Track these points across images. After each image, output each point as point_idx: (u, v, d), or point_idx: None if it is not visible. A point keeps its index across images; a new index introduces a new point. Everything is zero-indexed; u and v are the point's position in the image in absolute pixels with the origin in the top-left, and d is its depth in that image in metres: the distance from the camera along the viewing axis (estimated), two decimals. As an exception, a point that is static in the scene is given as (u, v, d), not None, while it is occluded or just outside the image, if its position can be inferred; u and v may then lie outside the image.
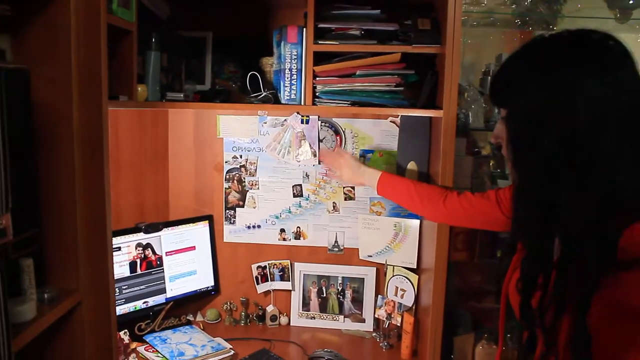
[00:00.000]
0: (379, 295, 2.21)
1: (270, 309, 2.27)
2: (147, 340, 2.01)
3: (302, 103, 1.88)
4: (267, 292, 2.30)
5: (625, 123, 0.93)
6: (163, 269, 2.11)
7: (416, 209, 1.81)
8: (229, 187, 2.27)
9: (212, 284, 2.27)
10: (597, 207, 0.94)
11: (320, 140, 2.19)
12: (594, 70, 0.94)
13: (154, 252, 2.08)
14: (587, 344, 0.96)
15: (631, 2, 2.49)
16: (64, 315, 1.16)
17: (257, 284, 2.28)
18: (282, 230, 2.28)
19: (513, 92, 1.03)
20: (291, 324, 2.29)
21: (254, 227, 2.29)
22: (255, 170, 2.25)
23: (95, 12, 1.17)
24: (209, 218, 2.26)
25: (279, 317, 2.27)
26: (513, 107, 1.05)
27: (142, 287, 2.04)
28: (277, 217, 2.28)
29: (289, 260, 2.28)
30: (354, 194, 2.24)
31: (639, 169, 0.94)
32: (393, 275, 2.15)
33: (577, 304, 0.95)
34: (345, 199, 2.25)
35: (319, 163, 2.20)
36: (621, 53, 0.97)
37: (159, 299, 2.10)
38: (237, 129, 2.23)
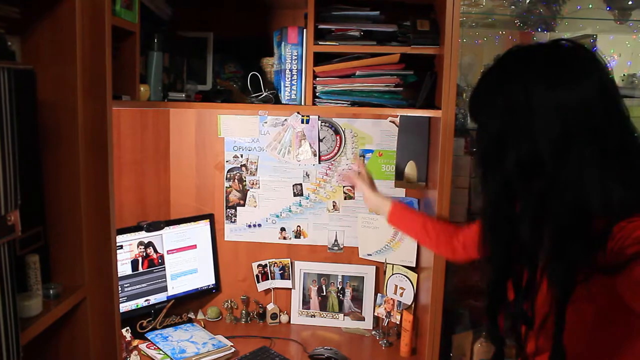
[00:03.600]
0: (379, 294, 2.22)
1: (270, 307, 2.28)
2: (149, 337, 2.02)
3: (303, 103, 1.90)
4: (267, 291, 2.32)
5: (591, 138, 0.90)
6: (164, 267, 2.13)
7: (430, 245, 1.72)
8: (230, 186, 2.29)
9: (213, 282, 2.28)
10: (560, 229, 0.91)
11: (320, 140, 2.21)
12: (556, 84, 0.91)
13: (155, 251, 2.10)
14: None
15: (630, 2, 2.50)
16: (69, 310, 1.18)
17: (258, 282, 2.29)
18: (283, 229, 2.30)
19: (480, 108, 1.02)
20: (291, 322, 2.31)
21: (254, 225, 2.30)
22: (256, 169, 2.27)
23: (100, 14, 1.19)
24: (210, 217, 2.28)
25: (280, 315, 2.29)
26: (479, 124, 1.03)
27: (143, 285, 2.06)
28: (277, 216, 2.30)
29: (289, 259, 2.30)
30: (354, 193, 2.26)
31: (608, 181, 0.90)
32: (392, 274, 2.16)
33: (554, 320, 0.94)
34: (345, 198, 2.27)
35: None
36: (590, 63, 0.93)
37: (161, 297, 2.12)
38: (238, 129, 2.25)
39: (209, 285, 2.27)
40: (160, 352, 1.94)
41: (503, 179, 0.96)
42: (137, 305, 2.04)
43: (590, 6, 2.55)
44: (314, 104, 1.90)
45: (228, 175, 2.28)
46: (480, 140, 1.04)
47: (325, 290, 2.30)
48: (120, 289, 1.96)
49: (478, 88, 1.04)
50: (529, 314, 0.99)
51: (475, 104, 1.05)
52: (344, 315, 2.30)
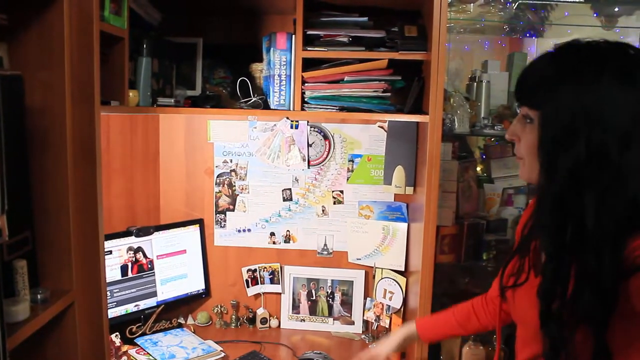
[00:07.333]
0: (368, 298, 2.23)
1: (260, 311, 2.29)
2: (138, 343, 2.02)
3: (291, 108, 1.91)
4: (257, 295, 2.32)
5: None
6: (154, 272, 2.13)
7: (474, 330, 1.57)
8: (220, 191, 2.29)
9: (203, 287, 2.28)
10: (618, 222, 0.94)
11: (309, 145, 2.22)
12: (630, 84, 0.95)
13: (145, 256, 2.10)
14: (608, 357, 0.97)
15: (617, 9, 2.54)
16: (57, 316, 1.18)
17: (248, 287, 2.29)
18: (272, 234, 2.31)
19: (548, 96, 1.01)
20: (281, 327, 2.31)
21: (244, 230, 2.31)
22: (246, 174, 2.27)
23: (88, 19, 1.19)
24: (200, 222, 2.28)
25: (269, 320, 2.29)
26: (548, 111, 1.02)
27: (133, 290, 2.06)
28: (267, 221, 2.30)
29: (278, 264, 2.30)
30: (343, 198, 2.27)
31: None
32: (381, 278, 2.17)
33: (597, 319, 0.96)
34: (334, 203, 2.28)
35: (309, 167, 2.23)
36: None
37: (150, 302, 2.11)
38: (228, 134, 2.25)
39: (198, 290, 2.27)
40: (150, 357, 1.94)
41: (571, 166, 0.98)
42: (126, 311, 2.04)
43: (578, 12, 2.58)
44: (302, 109, 1.91)
45: (217, 180, 2.28)
46: (545, 128, 1.02)
47: (315, 294, 2.31)
48: (109, 294, 1.96)
49: (539, 75, 1.04)
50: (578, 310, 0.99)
51: (536, 91, 1.04)
52: (334, 320, 2.31)
